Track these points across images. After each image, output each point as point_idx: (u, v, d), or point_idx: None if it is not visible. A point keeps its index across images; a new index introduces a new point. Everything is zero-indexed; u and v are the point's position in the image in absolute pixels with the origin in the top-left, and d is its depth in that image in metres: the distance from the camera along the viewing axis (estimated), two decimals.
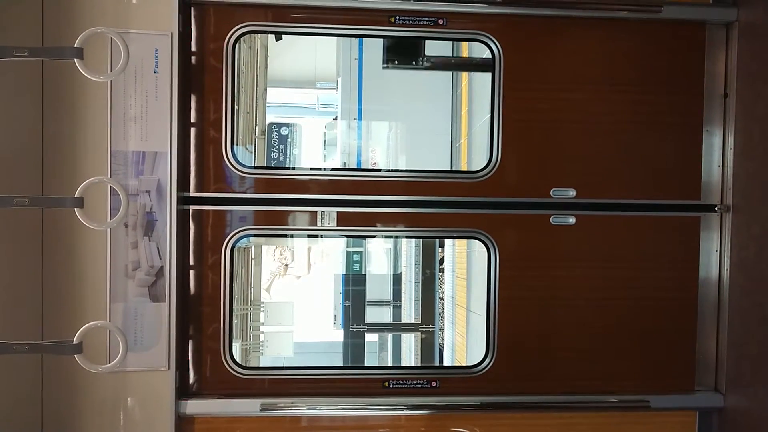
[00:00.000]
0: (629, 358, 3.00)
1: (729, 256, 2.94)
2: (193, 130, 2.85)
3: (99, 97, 2.66)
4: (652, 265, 3.00)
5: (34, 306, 2.68)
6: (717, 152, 3.00)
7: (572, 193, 2.96)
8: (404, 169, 5.56)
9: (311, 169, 2.98)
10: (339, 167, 6.80)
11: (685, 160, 3.00)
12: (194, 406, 2.80)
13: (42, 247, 2.68)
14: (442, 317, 6.64)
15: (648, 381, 3.00)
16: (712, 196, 3.01)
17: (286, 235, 4.29)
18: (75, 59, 2.41)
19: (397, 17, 2.90)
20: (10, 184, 2.50)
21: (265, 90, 5.29)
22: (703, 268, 3.02)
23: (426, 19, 2.91)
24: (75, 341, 2.47)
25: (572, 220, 2.97)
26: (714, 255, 3.01)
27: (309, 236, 5.12)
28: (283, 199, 2.90)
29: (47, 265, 2.69)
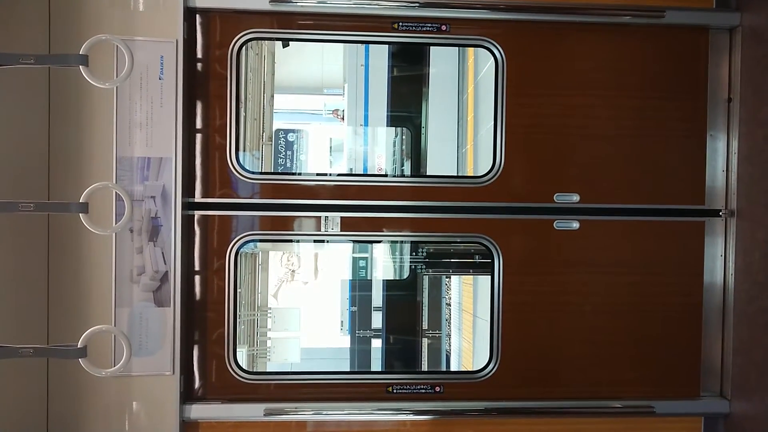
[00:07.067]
0: (634, 363, 2.99)
1: (734, 261, 2.93)
2: (198, 136, 2.87)
3: (105, 104, 2.69)
4: (657, 270, 2.99)
5: (40, 310, 2.70)
6: (721, 157, 3.00)
7: (576, 198, 2.96)
8: (408, 174, 5.57)
9: (316, 174, 2.99)
10: (345, 173, 6.82)
11: (690, 164, 3.00)
12: (199, 411, 2.81)
13: (48, 252, 2.71)
14: (449, 323, 6.62)
15: (653, 386, 2.99)
16: (717, 200, 3.00)
17: (291, 241, 4.30)
18: (80, 66, 2.44)
19: (401, 23, 2.92)
20: (17, 189, 2.52)
21: (272, 96, 5.31)
22: (707, 273, 3.01)
23: (429, 25, 2.92)
24: (80, 345, 2.48)
25: (576, 225, 2.97)
26: (719, 260, 3.00)
27: (315, 242, 5.12)
28: (287, 204, 2.92)
29: (53, 270, 2.72)
